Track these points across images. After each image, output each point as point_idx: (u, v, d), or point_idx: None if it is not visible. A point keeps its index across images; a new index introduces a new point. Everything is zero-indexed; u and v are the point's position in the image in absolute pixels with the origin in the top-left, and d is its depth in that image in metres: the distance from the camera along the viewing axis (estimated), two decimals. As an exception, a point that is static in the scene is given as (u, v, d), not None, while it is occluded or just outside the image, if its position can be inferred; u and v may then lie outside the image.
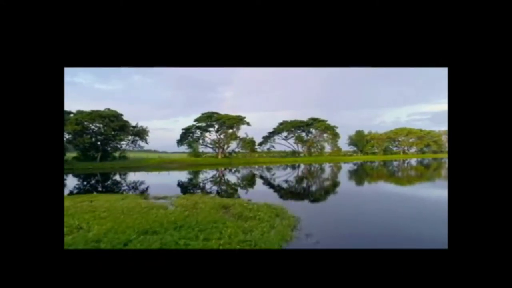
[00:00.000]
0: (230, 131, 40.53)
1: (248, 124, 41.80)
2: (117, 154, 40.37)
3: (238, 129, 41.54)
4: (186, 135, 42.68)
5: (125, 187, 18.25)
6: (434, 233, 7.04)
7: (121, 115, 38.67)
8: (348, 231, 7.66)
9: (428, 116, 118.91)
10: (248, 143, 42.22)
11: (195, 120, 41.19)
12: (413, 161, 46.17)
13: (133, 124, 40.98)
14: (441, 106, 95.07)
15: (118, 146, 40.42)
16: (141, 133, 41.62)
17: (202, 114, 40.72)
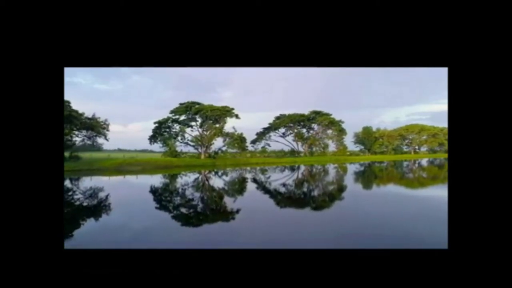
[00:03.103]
0: (216, 125, 31.67)
1: (237, 116, 34.20)
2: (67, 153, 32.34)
3: (224, 122, 32.53)
4: (161, 130, 33.83)
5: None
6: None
7: (68, 102, 29.76)
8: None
9: (427, 116, 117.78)
10: (237, 140, 34.61)
11: (172, 112, 33.48)
12: (425, 162, 39.19)
13: (89, 115, 32.18)
14: (440, 106, 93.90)
15: (69, 143, 32.49)
16: (95, 127, 31.96)
17: (181, 104, 33.39)
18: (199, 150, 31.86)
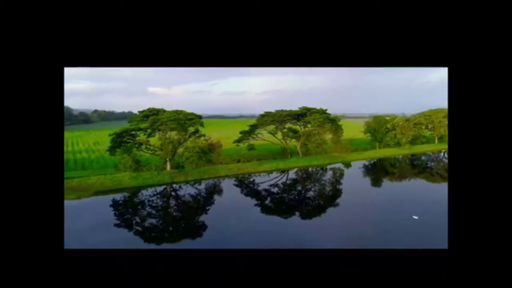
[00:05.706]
0: (175, 137, 23.86)
1: (201, 125, 25.47)
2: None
3: (183, 136, 23.72)
4: (119, 141, 25.24)
5: None
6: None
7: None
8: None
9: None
10: (194, 154, 25.51)
11: (129, 121, 26.51)
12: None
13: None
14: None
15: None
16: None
17: (139, 112, 26.37)
18: (166, 160, 24.25)
